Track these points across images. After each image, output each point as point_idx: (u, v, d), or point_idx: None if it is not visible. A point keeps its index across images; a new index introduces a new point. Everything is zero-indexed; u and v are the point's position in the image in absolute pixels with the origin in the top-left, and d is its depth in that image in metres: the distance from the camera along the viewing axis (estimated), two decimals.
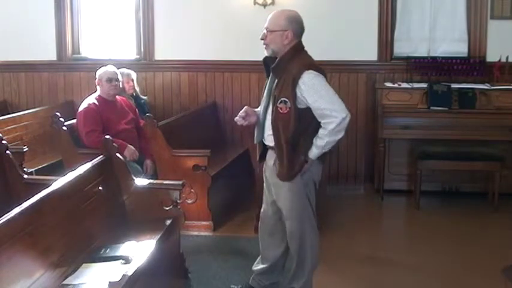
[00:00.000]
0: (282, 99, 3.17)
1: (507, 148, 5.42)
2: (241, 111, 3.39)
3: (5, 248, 2.47)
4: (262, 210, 3.59)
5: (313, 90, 3.14)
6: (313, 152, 3.22)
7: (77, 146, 4.75)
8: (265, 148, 3.40)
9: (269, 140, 3.31)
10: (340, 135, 3.21)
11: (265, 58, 3.36)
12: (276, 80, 3.26)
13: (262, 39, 3.29)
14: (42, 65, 6.44)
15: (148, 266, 2.99)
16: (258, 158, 3.51)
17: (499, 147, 5.35)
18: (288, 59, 3.22)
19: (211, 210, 4.76)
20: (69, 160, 4.67)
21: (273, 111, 3.24)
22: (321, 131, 3.18)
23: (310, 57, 3.33)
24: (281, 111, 3.18)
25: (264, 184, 3.51)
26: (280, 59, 3.25)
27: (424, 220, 5.08)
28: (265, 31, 3.28)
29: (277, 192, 3.37)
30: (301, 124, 3.19)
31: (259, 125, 3.39)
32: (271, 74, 3.32)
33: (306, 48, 3.35)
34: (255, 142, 3.46)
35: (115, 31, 6.47)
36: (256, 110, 3.46)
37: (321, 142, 3.19)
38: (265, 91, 3.36)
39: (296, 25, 3.25)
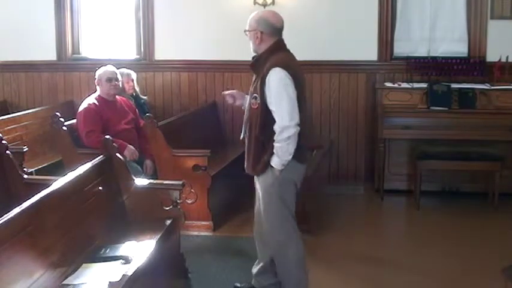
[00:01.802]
0: (254, 95, 3.26)
1: (507, 148, 5.42)
2: (232, 91, 3.54)
3: (5, 248, 2.47)
4: (255, 208, 3.58)
5: (271, 90, 3.17)
6: (273, 159, 3.22)
7: (77, 146, 4.75)
8: None
9: None
10: (291, 146, 3.17)
11: (253, 57, 3.44)
12: (254, 77, 3.35)
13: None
14: (42, 65, 6.44)
15: (148, 266, 2.99)
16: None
17: (499, 147, 5.35)
18: (265, 58, 3.29)
19: (211, 210, 4.76)
20: (69, 160, 4.67)
21: (248, 107, 3.34)
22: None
23: (288, 56, 3.35)
24: (252, 107, 3.27)
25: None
26: (258, 57, 3.34)
27: (424, 220, 5.08)
28: None
29: (259, 189, 3.41)
30: (271, 124, 3.20)
31: (244, 122, 3.45)
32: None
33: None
34: (241, 138, 3.50)
35: (115, 31, 6.47)
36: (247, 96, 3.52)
37: (274, 149, 3.19)
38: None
39: (265, 25, 3.30)
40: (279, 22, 3.34)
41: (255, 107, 3.25)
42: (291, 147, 3.18)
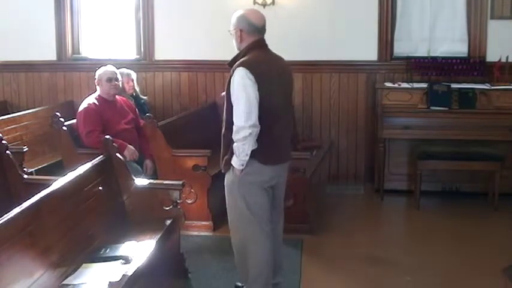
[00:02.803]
0: (224, 94, 3.30)
1: (507, 148, 5.41)
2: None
3: (5, 248, 2.47)
4: None
5: (234, 89, 3.18)
6: (233, 158, 3.22)
7: (77, 146, 4.75)
8: None
9: None
10: (246, 146, 3.14)
11: None
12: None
13: None
14: (42, 65, 6.44)
15: (148, 266, 2.99)
16: None
17: (499, 147, 5.35)
18: (242, 57, 3.29)
19: (211, 210, 4.75)
20: (69, 160, 4.67)
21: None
22: None
23: (262, 55, 3.30)
24: (224, 106, 3.30)
25: None
26: (235, 56, 3.34)
27: (424, 220, 5.08)
28: None
29: None
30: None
31: None
32: None
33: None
34: None
35: (115, 31, 6.47)
36: None
37: (233, 148, 3.20)
38: None
39: (244, 23, 3.28)
40: (260, 21, 3.31)
41: (225, 106, 3.28)
42: (247, 148, 3.15)
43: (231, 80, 3.19)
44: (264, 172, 3.29)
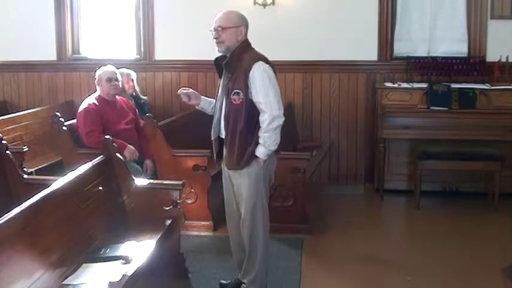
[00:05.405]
0: (235, 90, 3.31)
1: (507, 148, 5.41)
2: (189, 90, 3.55)
3: (5, 248, 2.47)
4: (226, 208, 3.62)
5: (257, 83, 3.26)
6: (259, 150, 3.29)
7: (77, 146, 4.75)
8: (221, 144, 3.48)
9: (224, 134, 3.42)
10: (278, 136, 3.29)
11: (216, 59, 3.48)
12: (229, 75, 3.37)
13: (215, 38, 3.40)
14: (42, 65, 6.44)
15: (148, 266, 3.00)
16: (215, 155, 3.56)
17: (499, 147, 5.35)
18: (239, 54, 3.34)
19: (211, 210, 4.76)
20: (69, 160, 4.67)
21: (227, 104, 3.36)
22: (261, 127, 3.28)
23: (258, 52, 3.44)
24: (234, 102, 3.31)
25: (223, 181, 3.57)
26: (231, 54, 3.37)
27: (424, 220, 5.09)
28: (212, 30, 3.41)
29: (237, 183, 3.42)
30: (255, 116, 3.28)
31: (215, 122, 3.48)
32: (224, 71, 3.42)
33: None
34: (212, 139, 3.53)
35: (115, 31, 6.47)
36: (206, 98, 3.61)
37: (261, 139, 3.27)
38: (220, 89, 3.47)
39: (246, 21, 3.43)
40: None
41: (238, 102, 3.29)
42: (278, 137, 3.30)
43: (250, 75, 3.26)
44: (274, 161, 3.46)
